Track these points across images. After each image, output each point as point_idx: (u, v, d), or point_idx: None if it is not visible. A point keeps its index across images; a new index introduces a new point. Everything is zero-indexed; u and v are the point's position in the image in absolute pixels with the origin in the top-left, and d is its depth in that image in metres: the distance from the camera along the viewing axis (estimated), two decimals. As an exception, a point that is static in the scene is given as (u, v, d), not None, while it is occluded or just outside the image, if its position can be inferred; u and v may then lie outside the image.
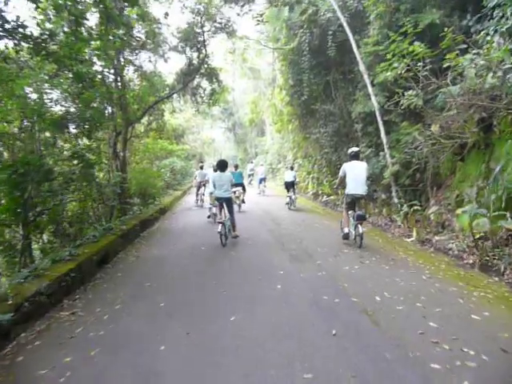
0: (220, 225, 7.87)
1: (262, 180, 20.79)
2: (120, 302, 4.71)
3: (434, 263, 6.11)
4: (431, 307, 4.11)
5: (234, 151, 63.48)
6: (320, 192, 17.50)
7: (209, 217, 12.02)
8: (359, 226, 7.34)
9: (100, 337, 3.80)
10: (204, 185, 15.34)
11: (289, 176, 14.16)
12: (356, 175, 7.42)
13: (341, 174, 7.75)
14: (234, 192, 11.98)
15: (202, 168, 16.27)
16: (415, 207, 9.33)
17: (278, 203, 16.04)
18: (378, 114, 10.91)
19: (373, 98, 11.02)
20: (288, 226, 9.95)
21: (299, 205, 14.90)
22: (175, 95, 16.29)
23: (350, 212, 7.83)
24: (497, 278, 5.33)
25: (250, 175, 26.70)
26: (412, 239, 8.65)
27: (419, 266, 5.92)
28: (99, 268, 6.42)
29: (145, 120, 16.37)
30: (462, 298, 4.36)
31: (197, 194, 16.09)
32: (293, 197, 13.95)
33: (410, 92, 8.70)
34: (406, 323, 3.73)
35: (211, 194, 9.74)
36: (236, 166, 14.40)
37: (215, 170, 9.96)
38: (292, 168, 15.11)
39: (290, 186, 14.00)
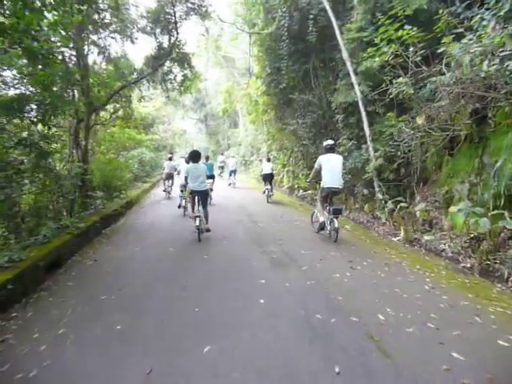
0: (197, 219, 7.49)
1: (233, 172, 20.45)
2: (65, 324, 3.77)
3: (431, 268, 5.49)
4: (447, 329, 3.44)
5: (205, 143, 62.22)
6: (296, 186, 16.85)
7: (179, 206, 11.86)
8: (335, 220, 7.20)
9: (28, 381, 2.89)
10: (172, 176, 15.32)
11: (267, 168, 13.86)
12: (332, 168, 7.32)
13: (316, 166, 7.64)
14: None
15: (171, 159, 16.05)
16: (401, 204, 8.75)
17: (253, 197, 15.29)
18: (360, 104, 10.28)
19: (356, 87, 10.36)
20: (266, 224, 9.19)
21: (275, 199, 14.24)
22: (144, 81, 15.10)
23: (325, 205, 7.69)
24: (500, 285, 4.76)
25: (220, 167, 25.93)
26: (399, 238, 8.09)
27: (417, 272, 5.29)
28: (49, 274, 5.43)
29: (111, 107, 15.13)
30: (478, 316, 3.72)
31: (165, 186, 15.72)
32: (267, 191, 13.71)
33: (400, 79, 8.05)
34: (423, 353, 3.02)
35: (184, 186, 9.05)
36: (207, 158, 14.37)
37: (187, 162, 9.64)
38: (269, 159, 14.74)
39: (268, 178, 13.81)
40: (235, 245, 7.07)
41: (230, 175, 20.45)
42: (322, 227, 7.69)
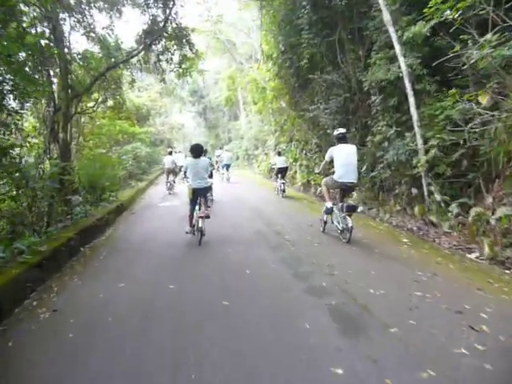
0: (200, 220, 6.84)
1: (226, 166, 18.79)
2: None
3: None
4: None
5: (204, 137, 60.19)
6: (312, 183, 14.72)
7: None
8: (348, 218, 6.49)
9: None
10: (174, 171, 14.87)
11: (281, 161, 13.66)
12: (346, 160, 6.61)
13: (326, 158, 7.00)
14: None
15: (171, 154, 15.63)
16: (476, 209, 6.63)
17: (263, 196, 13.19)
18: (406, 81, 8.14)
19: (400, 59, 8.22)
20: (296, 238, 7.00)
21: (290, 196, 12.84)
22: (135, 62, 12.90)
23: (336, 202, 7.07)
24: None
25: (217, 162, 23.87)
26: (477, 255, 6.03)
27: None
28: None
29: (98, 95, 12.94)
30: None
31: (166, 183, 15.08)
32: (282, 185, 13.35)
33: (489, 36, 5.85)
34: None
35: (184, 178, 7.78)
36: (205, 152, 12.08)
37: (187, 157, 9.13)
38: (280, 153, 14.51)
39: (282, 171, 13.66)
40: (264, 281, 4.80)
41: (223, 169, 19.06)
42: (330, 211, 7.06)
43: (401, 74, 8.28)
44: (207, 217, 6.92)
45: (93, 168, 10.83)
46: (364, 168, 10.26)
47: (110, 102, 14.55)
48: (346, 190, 6.93)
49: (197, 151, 7.22)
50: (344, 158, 6.60)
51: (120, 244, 7.13)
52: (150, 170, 26.22)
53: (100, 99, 13.45)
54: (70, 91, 10.05)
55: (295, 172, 17.59)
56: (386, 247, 6.39)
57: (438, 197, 7.61)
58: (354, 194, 10.47)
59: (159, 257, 6.08)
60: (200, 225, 6.77)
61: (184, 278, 4.93)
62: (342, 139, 6.85)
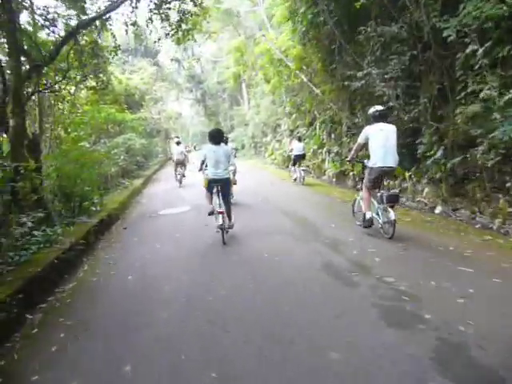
0: (220, 216, 5.95)
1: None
2: None
3: None
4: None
5: (203, 126, 57.19)
6: (351, 173, 11.72)
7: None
8: (390, 209, 5.56)
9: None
10: (184, 163, 14.27)
11: (298, 148, 13.08)
12: (385, 141, 5.62)
13: (360, 140, 5.99)
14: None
15: (178, 144, 14.79)
16: None
17: (287, 190, 10.23)
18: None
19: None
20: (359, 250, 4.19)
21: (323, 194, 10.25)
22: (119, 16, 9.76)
23: (375, 191, 5.98)
24: None
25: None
26: None
27: None
28: None
29: (73, 70, 9.88)
30: None
31: (176, 175, 14.47)
32: (302, 172, 12.91)
33: None
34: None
35: (203, 168, 6.69)
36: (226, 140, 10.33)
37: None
38: (300, 138, 13.88)
39: (299, 159, 13.19)
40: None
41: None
42: (370, 224, 5.94)
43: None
44: (230, 227, 6.30)
45: (67, 169, 7.80)
46: (440, 153, 7.31)
47: (91, 82, 11.44)
48: (384, 176, 6.12)
49: (217, 137, 6.39)
50: (383, 139, 5.65)
51: (93, 311, 4.00)
52: (147, 164, 23.24)
53: (76, 76, 10.41)
54: (24, 60, 6.98)
55: (322, 161, 14.57)
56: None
57: None
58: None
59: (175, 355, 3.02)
60: (220, 221, 5.95)
61: None
62: (380, 117, 5.90)
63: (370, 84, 8.65)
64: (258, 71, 18.23)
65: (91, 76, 11.03)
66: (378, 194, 5.87)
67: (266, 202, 9.67)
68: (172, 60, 44.17)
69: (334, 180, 13.14)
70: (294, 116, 17.84)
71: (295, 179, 13.15)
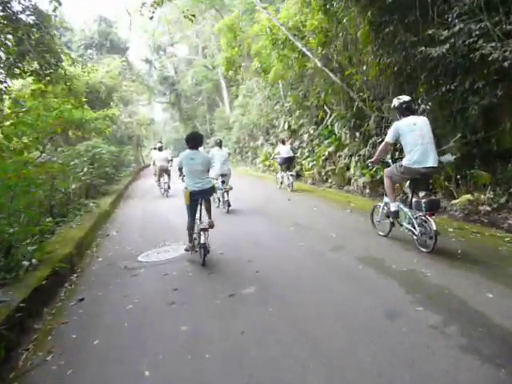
0: (202, 233, 5.22)
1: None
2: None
3: None
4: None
5: (177, 133, 53.79)
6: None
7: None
8: (429, 219, 4.71)
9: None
10: (167, 170, 13.05)
11: (285, 151, 12.15)
12: (422, 138, 4.85)
13: (389, 139, 5.12)
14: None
15: (160, 149, 13.45)
16: None
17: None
18: None
19: None
20: None
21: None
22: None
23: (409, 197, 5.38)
24: None
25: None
26: None
27: None
28: None
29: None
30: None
31: (159, 185, 13.49)
32: (291, 178, 11.93)
33: None
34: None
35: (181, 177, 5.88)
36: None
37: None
38: (284, 141, 12.63)
39: (287, 162, 12.23)
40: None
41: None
42: (395, 215, 5.26)
43: None
44: (211, 227, 5.38)
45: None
46: None
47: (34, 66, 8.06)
48: (421, 179, 5.10)
49: (194, 141, 5.67)
50: (418, 135, 4.85)
51: None
52: (117, 176, 19.64)
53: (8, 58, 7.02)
54: None
55: (344, 167, 11.47)
56: None
57: None
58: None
59: None
60: (202, 240, 5.19)
61: None
62: (408, 110, 5.10)
63: (459, 48, 5.58)
64: (253, 60, 14.86)
65: (30, 55, 7.62)
66: (414, 200, 5.13)
67: (306, 231, 6.50)
68: (143, 60, 40.70)
69: (367, 191, 10.05)
70: (297, 113, 14.70)
71: (280, 187, 12.55)
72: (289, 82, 14.25)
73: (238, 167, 22.46)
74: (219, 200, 9.70)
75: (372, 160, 5.78)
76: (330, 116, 12.96)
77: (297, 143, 15.63)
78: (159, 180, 13.27)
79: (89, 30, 25.13)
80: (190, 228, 5.61)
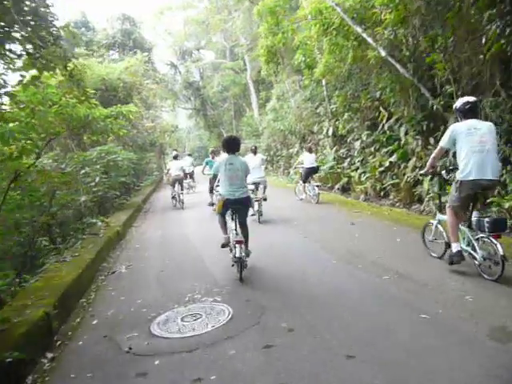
0: (237, 246, 4.68)
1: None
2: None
3: None
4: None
5: (201, 141, 52.43)
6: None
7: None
8: (495, 241, 3.93)
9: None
10: (181, 180, 12.19)
11: (310, 160, 10.99)
12: (481, 146, 4.09)
13: (443, 143, 4.43)
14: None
15: (176, 158, 12.74)
16: None
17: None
18: None
19: None
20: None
21: None
22: None
23: (466, 214, 4.40)
24: None
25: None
26: None
27: None
28: None
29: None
30: None
31: (173, 195, 12.18)
32: (316, 189, 10.70)
33: None
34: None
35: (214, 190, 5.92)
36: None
37: (213, 155, 11.13)
38: (311, 149, 11.53)
39: (311, 173, 11.13)
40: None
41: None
42: (460, 258, 4.26)
43: None
44: (247, 254, 4.84)
45: None
46: None
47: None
48: (480, 193, 4.25)
49: (232, 145, 5.21)
50: (478, 142, 4.08)
51: None
52: (138, 185, 17.91)
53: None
54: None
55: (411, 181, 9.15)
56: None
57: None
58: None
59: None
60: (238, 253, 4.63)
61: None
62: (470, 112, 4.29)
63: None
64: (295, 54, 12.65)
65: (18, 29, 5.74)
66: (474, 219, 4.24)
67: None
68: (167, 64, 39.29)
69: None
70: (345, 116, 12.46)
71: (302, 198, 11.30)
72: (338, 78, 12.01)
73: (268, 177, 20.26)
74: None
75: (424, 170, 5.07)
76: (389, 119, 10.74)
77: (343, 151, 13.41)
78: (173, 190, 12.17)
79: (111, 28, 23.76)
80: (223, 222, 5.22)
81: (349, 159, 12.61)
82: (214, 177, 5.37)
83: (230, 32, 29.71)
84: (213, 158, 10.96)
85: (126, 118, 9.76)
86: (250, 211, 8.92)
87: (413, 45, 8.40)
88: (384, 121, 10.99)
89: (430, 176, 8.46)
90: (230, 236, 5.12)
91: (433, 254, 5.10)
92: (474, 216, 4.29)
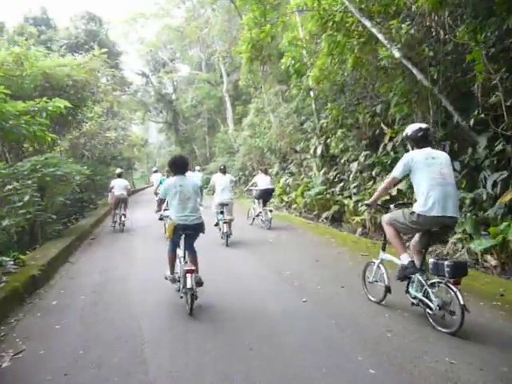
0: (188, 276, 4.25)
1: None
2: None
3: None
4: None
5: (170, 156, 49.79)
6: None
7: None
8: (454, 288, 3.55)
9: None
10: (125, 201, 11.09)
11: (264, 181, 10.33)
12: (441, 177, 3.79)
13: (396, 173, 4.01)
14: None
15: (120, 176, 11.67)
16: None
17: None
18: None
19: None
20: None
21: None
22: None
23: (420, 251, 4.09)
24: None
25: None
26: None
27: None
28: None
29: None
30: None
31: (114, 217, 11.03)
32: (269, 214, 10.03)
33: None
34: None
35: (164, 216, 5.57)
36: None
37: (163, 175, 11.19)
38: (266, 171, 11.15)
39: (266, 195, 10.40)
40: None
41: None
42: (413, 268, 3.89)
43: None
44: (199, 284, 4.46)
45: None
46: None
47: None
48: (437, 232, 3.93)
49: (181, 166, 4.88)
50: (437, 173, 3.78)
51: None
52: (95, 202, 15.53)
53: None
54: None
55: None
56: None
57: None
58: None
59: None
60: (189, 284, 4.23)
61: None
62: (425, 141, 4.02)
63: None
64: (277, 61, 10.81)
65: None
66: (431, 261, 3.83)
67: None
68: (138, 74, 37.06)
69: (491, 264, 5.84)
70: (338, 133, 10.60)
71: (253, 220, 10.75)
72: (333, 87, 10.19)
73: (243, 199, 18.02)
74: (219, 229, 8.44)
75: (369, 201, 4.66)
76: (392, 137, 8.98)
77: (333, 173, 11.52)
78: (115, 211, 11.00)
79: (75, 28, 21.46)
80: (172, 256, 4.89)
81: (341, 184, 10.70)
82: (162, 200, 5.07)
83: (207, 41, 28.00)
84: (167, 176, 9.69)
85: (52, 118, 7.46)
86: (218, 233, 8.39)
87: (439, 42, 6.62)
88: (386, 140, 9.25)
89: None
90: (178, 265, 4.84)
91: (371, 298, 4.64)
92: (433, 259, 3.87)
